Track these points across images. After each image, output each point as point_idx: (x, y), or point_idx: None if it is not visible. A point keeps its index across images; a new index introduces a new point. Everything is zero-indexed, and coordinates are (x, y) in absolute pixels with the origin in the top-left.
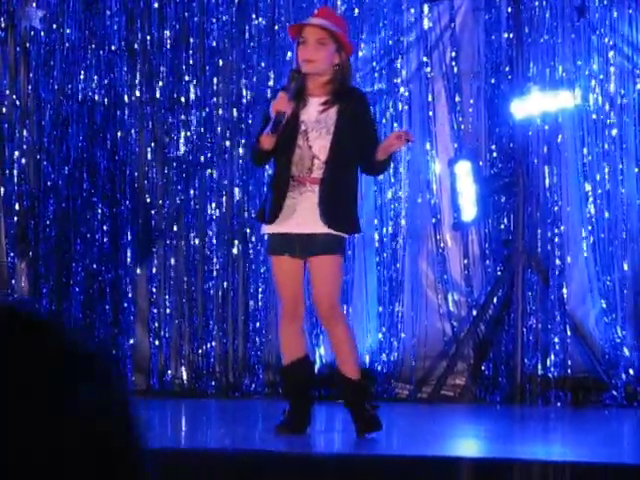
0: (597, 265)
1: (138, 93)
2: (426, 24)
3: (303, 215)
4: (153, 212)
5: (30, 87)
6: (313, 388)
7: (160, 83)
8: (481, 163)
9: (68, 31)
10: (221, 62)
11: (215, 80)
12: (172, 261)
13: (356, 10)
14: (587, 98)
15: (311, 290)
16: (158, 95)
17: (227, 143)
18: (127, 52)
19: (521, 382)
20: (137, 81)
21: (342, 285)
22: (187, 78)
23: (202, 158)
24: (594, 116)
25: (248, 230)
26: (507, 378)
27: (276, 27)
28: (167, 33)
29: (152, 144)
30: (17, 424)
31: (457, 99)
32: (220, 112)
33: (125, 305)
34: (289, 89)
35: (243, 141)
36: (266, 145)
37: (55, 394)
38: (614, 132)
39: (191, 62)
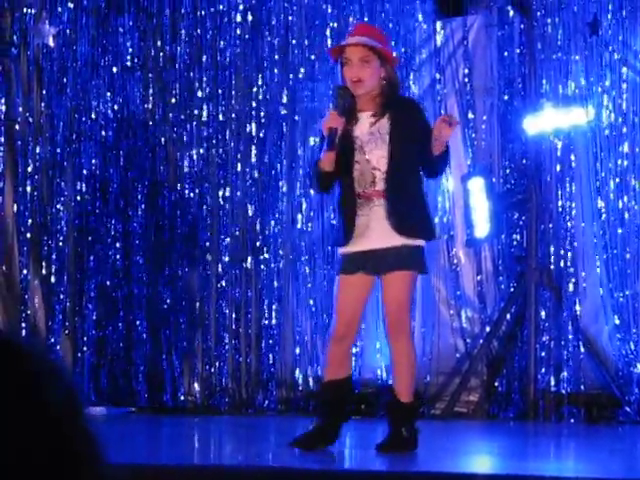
0: (610, 281)
1: (151, 109)
2: (439, 41)
3: (377, 230)
4: (166, 227)
5: (43, 104)
6: (346, 408)
7: (173, 100)
8: (494, 179)
9: (81, 48)
10: (234, 79)
11: (228, 96)
12: (185, 277)
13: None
14: (600, 114)
15: (381, 303)
16: (171, 112)
17: (240, 159)
18: (140, 69)
19: (534, 398)
20: (150, 97)
21: (412, 301)
22: (200, 95)
23: (215, 174)
24: (607, 132)
25: (259, 246)
26: (520, 394)
27: (289, 44)
28: (180, 50)
29: (165, 160)
30: None
31: (470, 115)
32: (233, 128)
33: (138, 322)
34: (337, 105)
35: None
36: (327, 167)
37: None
38: (627, 148)
39: (204, 79)
